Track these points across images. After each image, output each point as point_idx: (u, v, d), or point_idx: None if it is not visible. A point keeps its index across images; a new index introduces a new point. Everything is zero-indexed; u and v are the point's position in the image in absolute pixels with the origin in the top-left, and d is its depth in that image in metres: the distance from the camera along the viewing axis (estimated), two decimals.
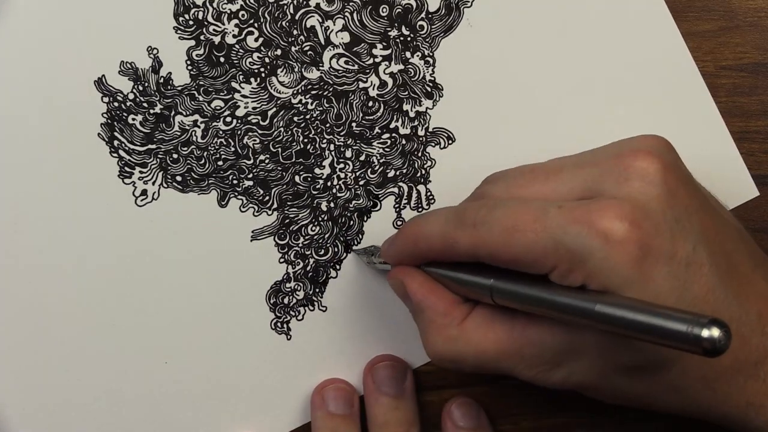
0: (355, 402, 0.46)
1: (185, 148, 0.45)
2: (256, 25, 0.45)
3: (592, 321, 0.33)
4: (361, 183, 0.46)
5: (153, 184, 0.45)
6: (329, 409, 0.45)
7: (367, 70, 0.46)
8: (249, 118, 0.45)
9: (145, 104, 0.45)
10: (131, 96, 0.45)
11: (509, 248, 0.35)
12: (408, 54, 0.46)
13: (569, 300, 0.34)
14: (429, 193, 0.46)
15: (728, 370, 0.35)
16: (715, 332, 0.29)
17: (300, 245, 0.46)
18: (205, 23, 0.45)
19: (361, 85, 0.46)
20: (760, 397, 0.36)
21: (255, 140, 0.45)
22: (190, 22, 0.45)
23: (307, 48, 0.45)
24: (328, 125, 0.46)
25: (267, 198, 0.46)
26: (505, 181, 0.39)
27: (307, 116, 0.46)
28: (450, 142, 0.46)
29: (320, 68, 0.45)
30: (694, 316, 0.29)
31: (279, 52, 0.45)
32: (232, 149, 0.45)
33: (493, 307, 0.38)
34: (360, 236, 0.46)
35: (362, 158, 0.46)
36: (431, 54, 0.46)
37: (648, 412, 0.44)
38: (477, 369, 0.38)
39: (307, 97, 0.45)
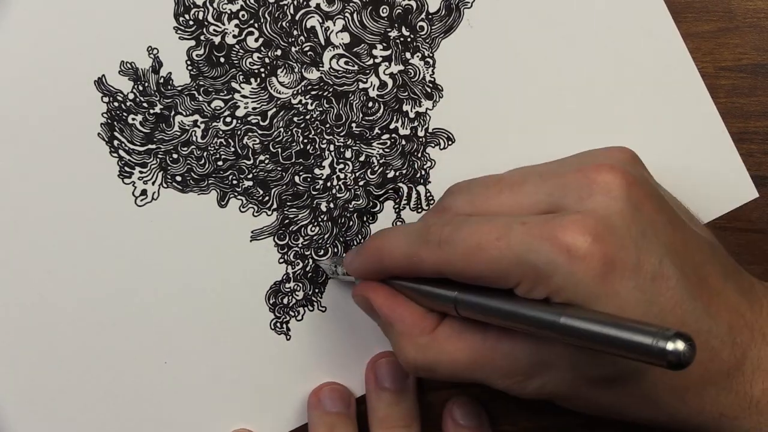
0: (351, 402, 0.46)
1: (185, 148, 0.45)
2: (256, 25, 0.45)
3: (558, 333, 0.33)
4: (361, 184, 0.46)
5: (153, 184, 0.45)
6: (325, 408, 0.45)
7: (367, 71, 0.46)
8: (249, 119, 0.45)
9: (145, 104, 0.45)
10: (131, 96, 0.45)
11: (473, 266, 0.35)
12: (408, 55, 0.46)
13: (534, 312, 0.34)
14: (429, 194, 0.46)
15: (699, 381, 0.35)
16: (680, 345, 0.29)
17: (299, 245, 0.46)
18: (206, 23, 0.45)
19: (361, 85, 0.46)
20: (734, 410, 0.36)
21: (255, 140, 0.45)
22: (191, 22, 0.45)
23: (307, 48, 0.45)
24: (327, 126, 0.46)
25: (267, 198, 0.46)
26: (468, 194, 0.39)
27: (307, 117, 0.46)
28: (450, 142, 0.46)
29: (320, 69, 0.45)
30: (658, 329, 0.29)
31: (279, 52, 0.45)
32: (232, 149, 0.45)
33: (462, 319, 0.38)
34: (359, 237, 0.46)
35: (362, 159, 0.46)
36: (431, 55, 0.46)
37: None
38: (451, 378, 0.38)
39: (307, 97, 0.46)
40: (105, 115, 0.45)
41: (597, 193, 0.35)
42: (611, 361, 0.35)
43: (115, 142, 0.45)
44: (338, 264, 0.45)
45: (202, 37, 0.45)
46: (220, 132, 0.45)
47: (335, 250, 0.46)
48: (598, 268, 0.33)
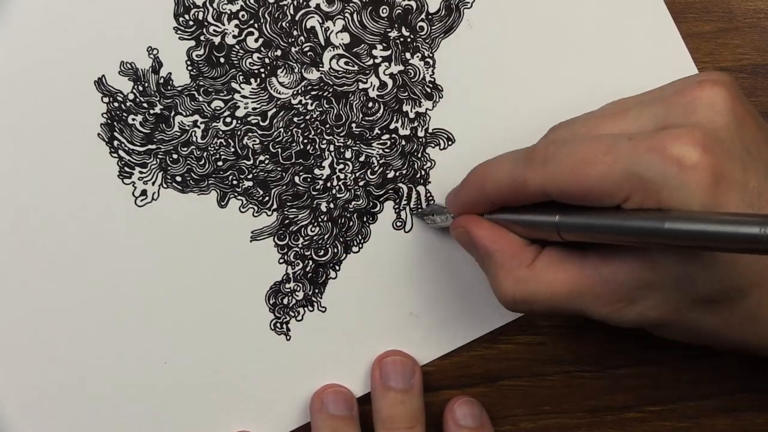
0: (354, 405, 0.46)
1: (185, 149, 0.45)
2: (256, 25, 0.45)
3: (665, 239, 0.32)
4: (361, 184, 0.46)
5: (153, 184, 0.45)
6: (329, 411, 0.45)
7: (367, 71, 0.46)
8: (249, 119, 0.45)
9: (145, 104, 0.45)
10: (131, 96, 0.45)
11: (581, 182, 0.35)
12: (408, 55, 0.46)
13: (639, 222, 0.33)
14: (429, 194, 0.46)
15: None
16: None
17: (299, 246, 0.46)
18: (205, 24, 0.45)
19: (361, 85, 0.46)
20: None
21: (255, 141, 0.45)
22: (191, 23, 0.45)
23: (307, 49, 0.45)
24: (327, 126, 0.46)
25: (267, 198, 0.46)
26: (570, 126, 0.39)
27: (307, 117, 0.46)
28: (450, 143, 0.46)
29: (320, 69, 0.45)
30: (764, 218, 0.30)
31: (279, 52, 0.45)
32: (232, 150, 0.45)
33: (562, 249, 0.38)
34: (359, 237, 0.46)
35: (362, 159, 0.46)
36: (431, 55, 0.46)
37: (644, 410, 0.44)
38: (549, 310, 0.38)
39: (307, 97, 0.46)
40: (105, 115, 0.45)
41: (702, 108, 0.35)
42: (717, 278, 0.35)
43: (115, 143, 0.45)
44: (435, 212, 0.45)
45: (202, 38, 0.45)
46: (220, 132, 0.45)
47: (335, 250, 0.46)
48: (708, 179, 0.33)
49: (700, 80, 0.36)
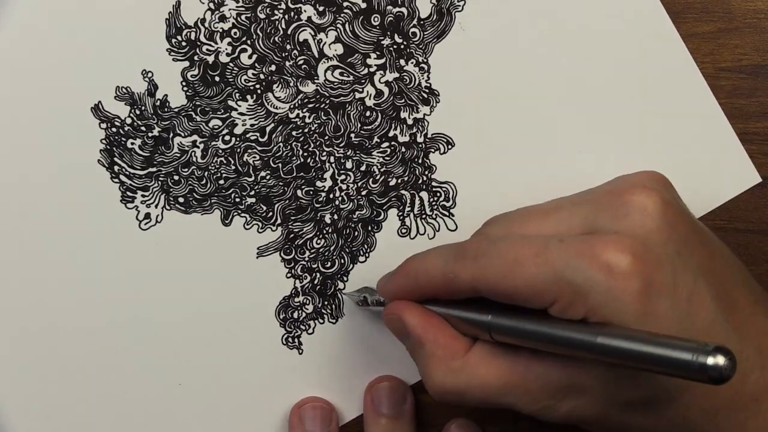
0: (333, 420, 0.46)
1: (186, 169, 0.45)
2: (248, 42, 0.44)
3: (595, 354, 0.33)
4: (363, 193, 0.46)
5: (156, 207, 0.46)
6: (306, 428, 0.46)
7: (363, 80, 0.45)
8: (247, 136, 0.45)
9: (143, 128, 0.45)
10: (129, 120, 0.45)
11: (510, 281, 0.35)
12: (402, 62, 0.45)
13: (570, 333, 0.34)
14: (431, 200, 0.46)
15: (729, 405, 0.36)
16: (720, 360, 0.29)
17: (306, 259, 0.46)
18: (198, 43, 0.44)
19: (357, 95, 0.45)
20: None
21: (255, 157, 0.45)
22: (183, 43, 0.44)
23: (301, 62, 0.45)
24: (326, 137, 0.46)
25: (270, 214, 0.46)
26: (505, 222, 0.40)
27: (306, 130, 0.45)
28: (450, 147, 0.46)
29: (315, 81, 0.45)
30: (698, 344, 0.30)
31: (273, 67, 0.45)
32: (233, 167, 0.45)
33: (495, 342, 0.38)
34: (365, 247, 0.46)
35: (363, 168, 0.46)
36: (425, 60, 0.45)
37: None
38: (480, 402, 0.38)
39: (304, 110, 0.45)
40: (104, 141, 0.45)
41: (633, 213, 0.36)
42: (645, 384, 0.35)
43: (116, 168, 0.45)
44: (367, 294, 0.45)
45: (195, 57, 0.44)
46: (220, 151, 0.45)
47: (342, 261, 0.46)
48: (638, 287, 0.34)
49: (633, 184, 0.37)
